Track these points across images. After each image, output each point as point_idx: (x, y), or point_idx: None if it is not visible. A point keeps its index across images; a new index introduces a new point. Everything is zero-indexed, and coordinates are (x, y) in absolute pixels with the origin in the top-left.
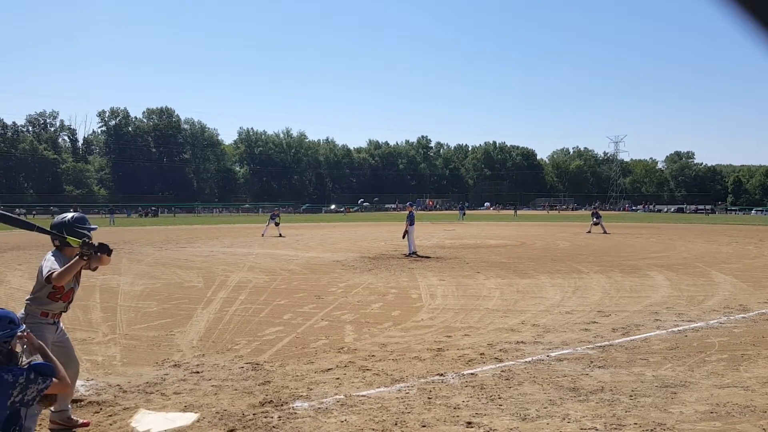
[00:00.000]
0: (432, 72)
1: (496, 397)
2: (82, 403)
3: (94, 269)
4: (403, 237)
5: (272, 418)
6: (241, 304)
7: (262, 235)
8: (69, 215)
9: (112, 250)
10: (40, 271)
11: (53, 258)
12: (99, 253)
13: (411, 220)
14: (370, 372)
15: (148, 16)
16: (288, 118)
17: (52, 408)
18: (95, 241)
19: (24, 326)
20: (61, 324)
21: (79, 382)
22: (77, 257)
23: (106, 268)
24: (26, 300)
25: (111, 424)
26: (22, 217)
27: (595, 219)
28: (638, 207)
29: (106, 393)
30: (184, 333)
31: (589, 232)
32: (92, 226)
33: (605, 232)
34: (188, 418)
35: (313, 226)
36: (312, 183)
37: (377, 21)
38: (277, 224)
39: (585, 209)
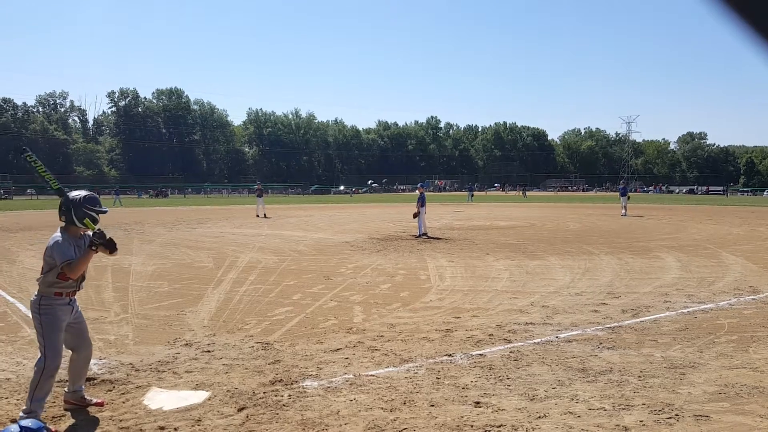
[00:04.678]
0: (442, 52)
1: (504, 377)
2: (95, 381)
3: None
4: (414, 217)
5: (282, 396)
6: (251, 285)
7: (264, 216)
8: (82, 193)
9: (116, 249)
10: (50, 254)
11: (62, 242)
12: (104, 247)
13: (422, 201)
14: (378, 352)
15: None
16: (297, 98)
17: (66, 388)
18: (107, 234)
19: None
20: (77, 303)
21: (92, 361)
22: (88, 249)
23: (118, 248)
24: (37, 280)
25: (124, 402)
26: (33, 199)
27: (622, 199)
28: (649, 188)
29: (118, 371)
30: (195, 313)
31: (626, 215)
32: (103, 209)
33: (623, 213)
34: (200, 396)
35: (322, 207)
36: (321, 164)
37: (386, 1)
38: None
39: (595, 191)
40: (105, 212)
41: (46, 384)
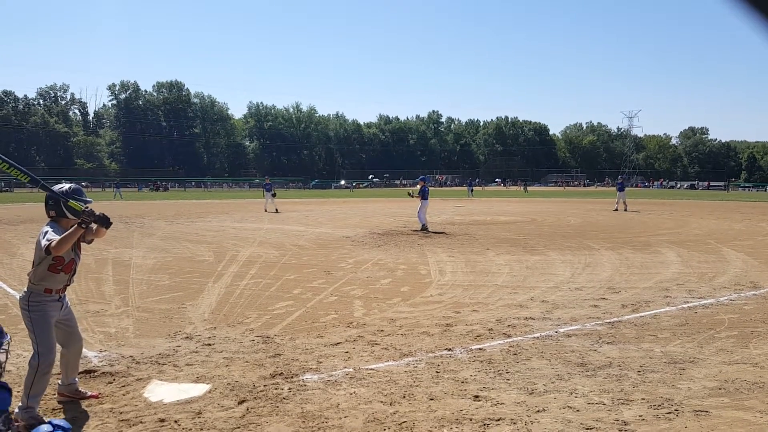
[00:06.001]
0: (443, 46)
1: (503, 371)
2: (96, 373)
3: (89, 241)
4: (410, 196)
5: (282, 389)
6: (252, 279)
7: (265, 210)
8: (66, 185)
9: (111, 223)
10: (38, 245)
11: (50, 229)
12: (97, 224)
13: (424, 195)
14: (378, 346)
15: None
16: (298, 92)
17: (59, 381)
18: (98, 211)
19: (8, 336)
20: (67, 300)
21: (92, 353)
22: (76, 226)
23: (119, 241)
24: (28, 275)
25: (124, 395)
26: (34, 191)
27: (619, 194)
28: (647, 183)
29: (119, 364)
30: (195, 306)
31: (618, 209)
32: (87, 199)
33: (616, 209)
34: (200, 389)
35: (322, 201)
36: (322, 158)
37: None
38: (273, 195)
39: (597, 185)
40: (89, 202)
41: (42, 381)
